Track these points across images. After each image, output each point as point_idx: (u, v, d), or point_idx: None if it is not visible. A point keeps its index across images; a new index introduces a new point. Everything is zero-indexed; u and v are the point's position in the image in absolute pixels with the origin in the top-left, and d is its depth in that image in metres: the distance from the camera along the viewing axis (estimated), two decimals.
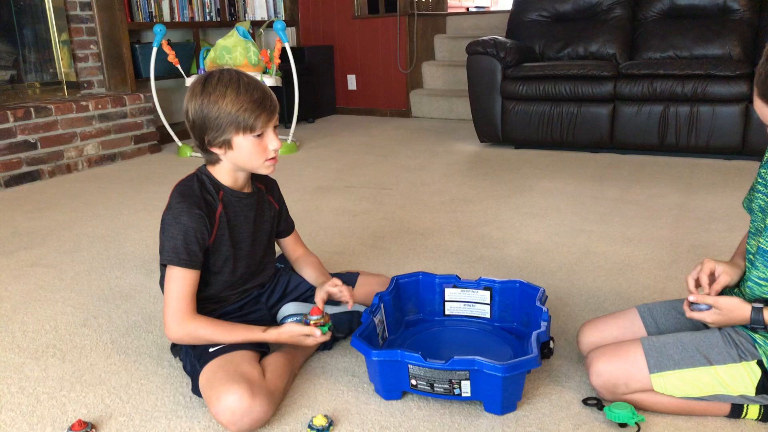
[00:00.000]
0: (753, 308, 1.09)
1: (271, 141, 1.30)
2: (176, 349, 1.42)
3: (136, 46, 4.16)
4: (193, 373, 1.29)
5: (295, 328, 1.31)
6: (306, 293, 1.55)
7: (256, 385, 1.20)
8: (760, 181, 1.18)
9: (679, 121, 3.29)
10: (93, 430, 1.21)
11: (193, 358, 1.31)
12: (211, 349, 1.28)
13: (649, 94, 3.33)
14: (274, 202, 1.52)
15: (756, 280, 1.14)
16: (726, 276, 1.19)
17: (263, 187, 1.48)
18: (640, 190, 2.82)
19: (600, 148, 3.58)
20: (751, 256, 1.17)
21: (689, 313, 1.17)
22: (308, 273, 1.56)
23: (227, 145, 1.29)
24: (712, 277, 1.21)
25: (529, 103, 3.63)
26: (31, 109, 3.32)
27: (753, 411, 1.18)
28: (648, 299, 1.71)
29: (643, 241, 2.18)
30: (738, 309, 1.11)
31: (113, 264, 2.12)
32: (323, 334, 1.31)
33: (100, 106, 3.67)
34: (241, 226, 1.39)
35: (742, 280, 1.22)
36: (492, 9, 7.57)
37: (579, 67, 3.51)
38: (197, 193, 1.31)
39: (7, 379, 1.42)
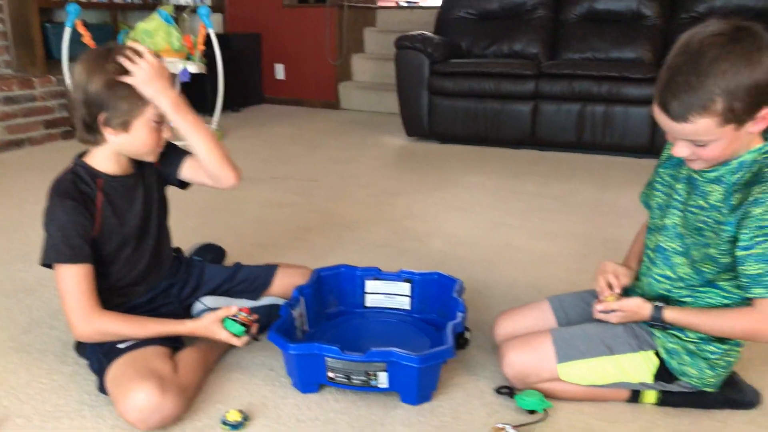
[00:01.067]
0: (654, 307, 1.16)
1: (165, 131, 1.29)
2: (81, 346, 1.35)
3: (48, 25, 3.91)
4: (100, 370, 1.23)
5: (212, 316, 1.27)
6: (222, 285, 1.51)
7: (166, 381, 1.16)
8: (659, 179, 1.25)
9: (595, 120, 3.44)
10: None
11: (100, 354, 1.25)
12: (120, 345, 1.23)
13: (568, 94, 3.46)
14: (158, 163, 1.39)
15: (656, 276, 1.21)
16: (626, 278, 1.27)
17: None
18: (558, 185, 2.94)
19: (522, 145, 3.69)
20: (650, 253, 1.24)
21: (597, 315, 1.23)
22: None
23: (123, 127, 1.23)
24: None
25: (455, 99, 3.69)
26: None
27: (650, 396, 1.25)
28: (561, 290, 1.76)
29: (559, 235, 2.27)
30: (640, 309, 1.18)
31: (16, 256, 1.99)
32: (238, 336, 1.27)
33: (5, 88, 3.42)
34: (129, 209, 1.33)
35: (640, 275, 1.29)
36: (422, 4, 7.64)
37: (503, 65, 3.60)
38: (71, 186, 1.25)
39: None
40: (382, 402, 1.26)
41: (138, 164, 1.35)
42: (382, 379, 1.22)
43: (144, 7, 4.56)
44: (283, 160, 3.39)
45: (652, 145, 3.38)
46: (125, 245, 1.32)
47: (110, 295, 1.30)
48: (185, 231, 2.22)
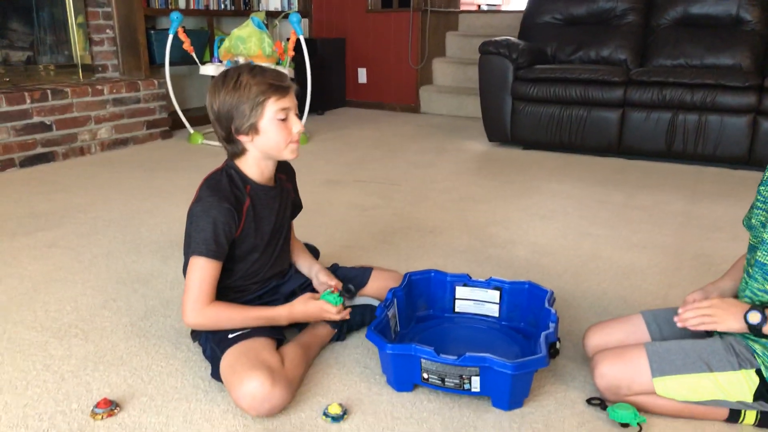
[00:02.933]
0: (753, 305, 1.16)
1: (295, 123, 1.37)
2: (195, 334, 1.47)
3: (152, 32, 4.19)
4: (213, 358, 1.34)
5: (304, 296, 1.39)
6: None
7: (276, 373, 1.25)
8: (760, 198, 1.24)
9: (687, 129, 3.33)
10: (117, 408, 1.26)
11: (213, 343, 1.36)
12: (230, 335, 1.34)
13: (658, 101, 3.36)
14: (291, 190, 1.58)
15: (756, 291, 1.19)
16: (715, 292, 1.26)
17: (284, 176, 1.53)
18: (646, 196, 2.87)
19: (608, 153, 3.62)
20: (749, 269, 1.22)
21: (681, 320, 1.22)
22: (302, 262, 1.62)
23: (254, 130, 1.34)
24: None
25: (539, 105, 3.66)
26: (48, 92, 3.36)
27: (750, 416, 1.23)
28: (651, 305, 1.76)
29: (647, 247, 2.23)
30: (736, 304, 1.18)
31: (129, 248, 2.17)
32: (336, 305, 1.37)
33: (114, 91, 3.70)
34: (266, 218, 1.44)
35: (738, 291, 1.27)
36: (503, 8, 7.58)
37: (590, 71, 3.54)
38: (226, 187, 1.36)
39: (32, 356, 1.47)
40: (474, 405, 1.30)
41: (278, 179, 1.48)
42: (475, 383, 1.27)
43: (238, 13, 4.79)
44: (366, 163, 3.48)
45: (750, 156, 3.23)
46: (254, 250, 1.43)
47: (228, 291, 1.41)
48: None
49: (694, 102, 3.28)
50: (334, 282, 1.52)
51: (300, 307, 1.40)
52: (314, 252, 1.93)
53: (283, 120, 1.34)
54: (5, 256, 2.09)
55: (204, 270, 1.33)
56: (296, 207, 1.63)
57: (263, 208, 1.43)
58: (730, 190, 2.97)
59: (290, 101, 1.36)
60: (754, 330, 1.15)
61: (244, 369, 1.24)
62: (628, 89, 3.43)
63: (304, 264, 1.61)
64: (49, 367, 1.43)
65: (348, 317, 1.46)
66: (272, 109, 1.33)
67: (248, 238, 1.40)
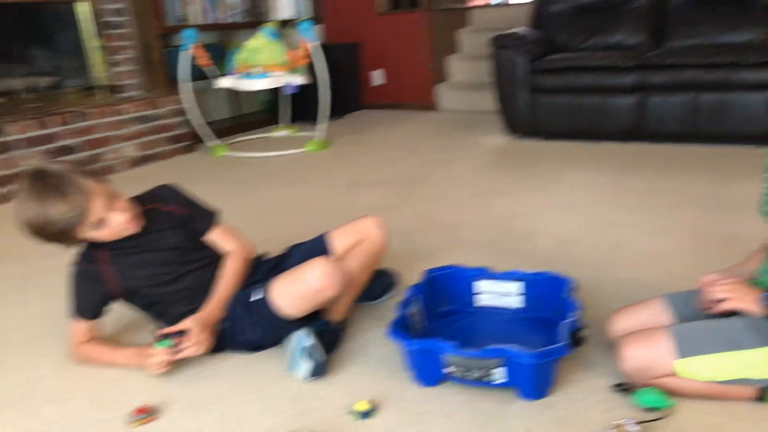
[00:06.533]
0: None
1: (114, 219, 1.39)
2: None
3: (169, 49, 4.28)
4: (263, 317, 1.44)
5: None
6: (276, 267, 1.61)
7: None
8: (767, 185, 1.23)
9: (708, 109, 3.28)
10: (153, 415, 1.31)
11: (249, 319, 1.46)
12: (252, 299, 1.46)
13: (676, 84, 3.32)
14: (176, 210, 1.54)
15: None
16: (735, 273, 1.27)
17: (155, 205, 1.52)
18: (671, 180, 2.83)
19: (629, 138, 3.58)
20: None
21: (706, 299, 1.24)
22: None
23: (86, 239, 1.42)
24: None
25: (554, 95, 3.64)
26: (72, 115, 3.46)
27: None
28: (678, 288, 1.73)
29: (674, 231, 2.21)
30: (754, 289, 1.18)
31: None
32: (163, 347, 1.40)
33: (135, 109, 3.80)
34: (144, 253, 1.49)
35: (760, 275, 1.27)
36: (511, 1, 7.54)
37: (602, 58, 3.51)
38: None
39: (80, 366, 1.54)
40: (500, 397, 1.32)
41: (149, 217, 1.50)
42: (500, 375, 1.28)
43: (251, 25, 4.86)
44: (386, 164, 3.51)
45: None
46: (158, 284, 1.54)
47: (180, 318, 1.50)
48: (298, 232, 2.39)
49: (713, 81, 3.23)
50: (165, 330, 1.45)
51: (135, 360, 1.48)
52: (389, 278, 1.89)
53: (99, 222, 1.37)
54: (38, 275, 2.16)
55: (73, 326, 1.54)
56: (201, 224, 1.57)
57: (130, 251, 1.48)
58: (757, 168, 2.88)
59: (100, 208, 1.35)
60: None
61: (301, 273, 1.42)
62: (642, 73, 3.39)
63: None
64: (94, 375, 1.49)
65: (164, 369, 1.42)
66: (85, 228, 1.37)
67: (137, 282, 1.50)
